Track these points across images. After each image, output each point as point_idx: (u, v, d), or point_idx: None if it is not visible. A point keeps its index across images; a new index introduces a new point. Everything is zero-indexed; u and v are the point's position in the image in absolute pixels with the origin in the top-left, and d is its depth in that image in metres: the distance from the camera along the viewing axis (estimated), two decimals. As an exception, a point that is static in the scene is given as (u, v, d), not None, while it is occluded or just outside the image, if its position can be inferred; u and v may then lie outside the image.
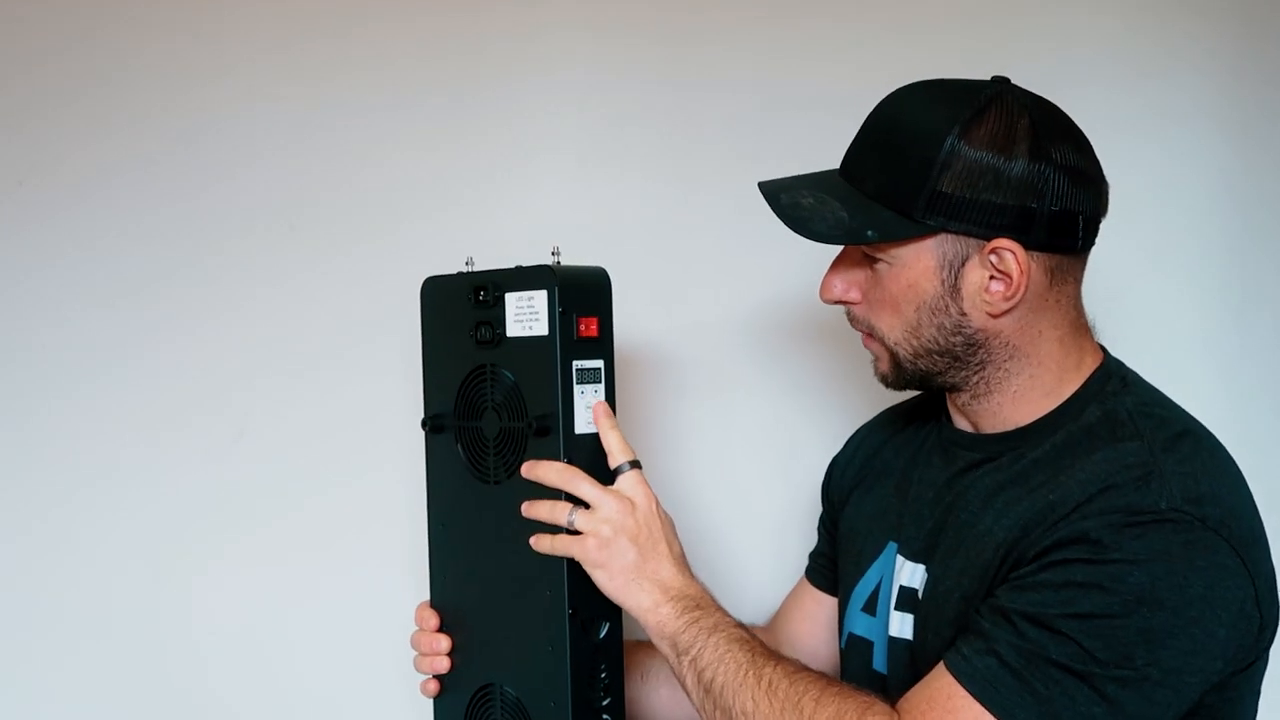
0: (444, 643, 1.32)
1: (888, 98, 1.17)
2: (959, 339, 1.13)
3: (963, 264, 1.11)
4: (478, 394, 1.28)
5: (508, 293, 1.23)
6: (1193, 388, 1.68)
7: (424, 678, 1.35)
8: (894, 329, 1.15)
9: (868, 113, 1.18)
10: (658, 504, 1.20)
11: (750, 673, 1.11)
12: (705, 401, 1.67)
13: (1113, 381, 1.16)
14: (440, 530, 1.35)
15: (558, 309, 1.18)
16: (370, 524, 1.62)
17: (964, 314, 1.13)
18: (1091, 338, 1.20)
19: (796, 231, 1.13)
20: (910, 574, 1.21)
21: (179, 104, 1.58)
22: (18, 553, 1.57)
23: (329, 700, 1.63)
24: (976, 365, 1.15)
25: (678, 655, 1.16)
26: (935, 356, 1.15)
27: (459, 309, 1.28)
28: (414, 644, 1.35)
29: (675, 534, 1.22)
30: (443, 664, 1.33)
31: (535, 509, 1.21)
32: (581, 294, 1.20)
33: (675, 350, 1.66)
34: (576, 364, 1.19)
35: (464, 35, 1.61)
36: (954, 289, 1.12)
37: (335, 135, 1.60)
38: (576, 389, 1.19)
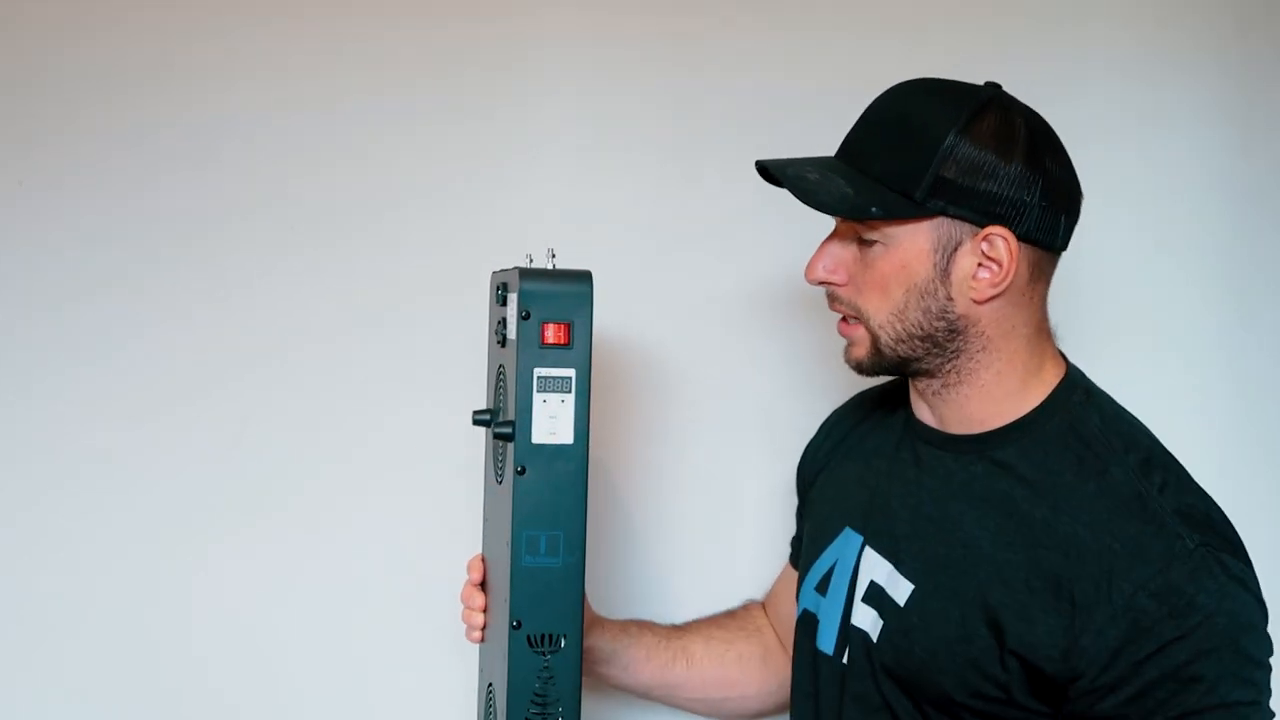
0: (478, 599, 1.33)
1: (891, 90, 1.23)
2: (942, 324, 1.18)
3: (955, 249, 1.16)
4: (498, 393, 1.27)
5: (508, 294, 1.22)
6: (1200, 383, 1.69)
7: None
8: (880, 311, 1.19)
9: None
10: None
11: None
12: (702, 398, 1.67)
13: (1077, 393, 1.22)
14: (485, 523, 1.35)
15: (521, 313, 1.16)
16: (370, 522, 1.62)
17: (950, 299, 1.17)
18: (1054, 344, 1.25)
19: (804, 201, 1.17)
20: (885, 573, 1.25)
21: (179, 103, 1.58)
22: (16, 546, 1.57)
23: (329, 700, 1.63)
24: (952, 353, 1.19)
25: None
26: (916, 341, 1.19)
27: (494, 306, 1.27)
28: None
29: None
30: (477, 619, 1.33)
31: None
32: (550, 299, 1.16)
33: (669, 347, 1.65)
34: (539, 371, 1.16)
35: (466, 36, 1.61)
36: (945, 273, 1.17)
37: (337, 136, 1.60)
38: (538, 396, 1.16)
